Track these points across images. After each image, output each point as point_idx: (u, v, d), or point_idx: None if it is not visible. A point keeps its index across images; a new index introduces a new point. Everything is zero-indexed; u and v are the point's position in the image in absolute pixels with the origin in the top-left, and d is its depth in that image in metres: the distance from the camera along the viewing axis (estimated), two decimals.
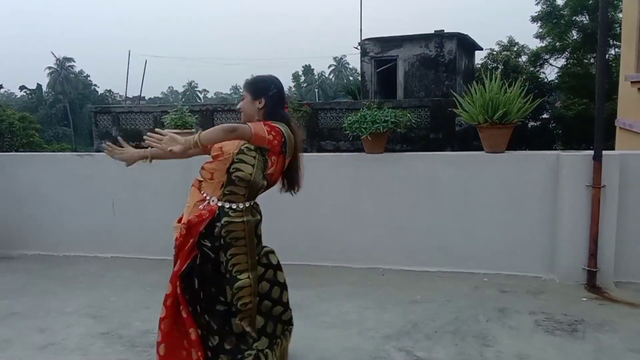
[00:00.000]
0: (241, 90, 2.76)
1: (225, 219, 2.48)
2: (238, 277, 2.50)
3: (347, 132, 4.79)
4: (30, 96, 58.64)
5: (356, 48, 19.62)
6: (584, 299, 3.96)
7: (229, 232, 2.48)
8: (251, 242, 2.55)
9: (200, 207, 2.55)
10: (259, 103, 2.63)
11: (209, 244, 2.52)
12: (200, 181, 2.65)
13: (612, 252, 4.18)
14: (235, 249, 2.50)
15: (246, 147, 2.48)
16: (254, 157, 2.48)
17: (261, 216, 2.70)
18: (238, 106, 2.72)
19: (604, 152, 4.13)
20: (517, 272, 4.48)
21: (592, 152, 4.15)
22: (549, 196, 4.39)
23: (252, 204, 2.59)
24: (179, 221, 2.67)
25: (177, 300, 2.58)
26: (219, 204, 2.51)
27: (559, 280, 4.30)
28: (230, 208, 2.50)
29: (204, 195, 2.58)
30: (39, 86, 58.99)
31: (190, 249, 2.53)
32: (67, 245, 5.54)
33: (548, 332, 3.40)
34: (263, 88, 2.65)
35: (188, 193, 2.74)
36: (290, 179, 2.81)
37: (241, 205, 2.52)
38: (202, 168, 2.63)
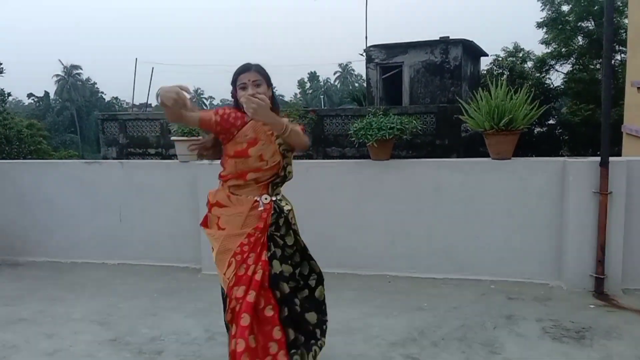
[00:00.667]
0: (247, 76, 2.53)
1: (287, 207, 2.69)
2: (309, 254, 2.78)
3: (353, 138, 4.80)
4: (37, 104, 59.07)
5: (361, 55, 19.65)
6: (592, 306, 3.94)
7: (294, 217, 2.73)
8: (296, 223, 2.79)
9: (259, 209, 2.59)
10: (269, 91, 2.60)
11: (278, 234, 2.62)
12: (234, 186, 2.62)
13: (619, 259, 4.16)
14: (298, 230, 2.73)
15: (285, 150, 2.61)
16: (292, 157, 2.73)
17: None
18: (253, 91, 2.46)
19: (611, 159, 4.12)
20: (524, 279, 4.47)
21: (598, 159, 4.14)
22: (555, 203, 4.37)
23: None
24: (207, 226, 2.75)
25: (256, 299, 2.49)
26: (273, 198, 2.64)
27: (566, 287, 4.28)
28: (283, 199, 2.73)
29: (254, 198, 2.60)
30: (47, 94, 59.42)
31: (262, 246, 2.56)
32: (75, 252, 5.57)
33: (555, 340, 3.38)
34: (269, 75, 2.63)
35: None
36: None
37: (282, 194, 2.77)
38: (240, 177, 2.58)
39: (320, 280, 2.80)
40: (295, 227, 2.74)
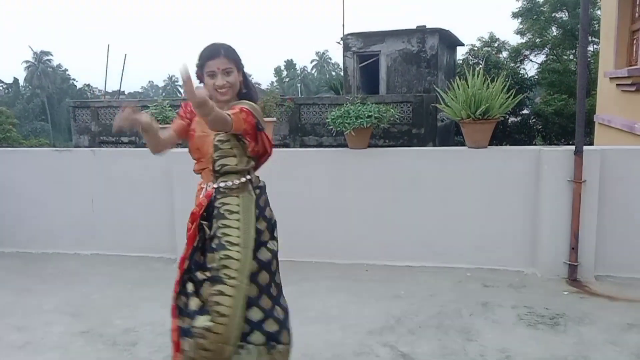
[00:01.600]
0: (216, 63, 2.33)
1: (218, 196, 2.35)
2: (227, 247, 2.28)
3: (331, 127, 4.77)
4: (6, 90, 57.64)
5: (338, 43, 19.57)
6: (565, 293, 4.00)
7: (223, 204, 2.33)
8: (246, 218, 2.35)
9: (200, 196, 2.44)
10: (240, 75, 2.41)
11: (208, 223, 2.37)
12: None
13: (592, 246, 4.23)
14: (228, 221, 2.31)
15: (219, 141, 2.33)
16: (231, 147, 2.33)
17: (262, 191, 2.48)
18: (222, 82, 2.33)
19: (585, 147, 4.17)
20: (499, 266, 4.51)
21: (573, 147, 4.19)
22: (530, 191, 4.42)
23: (248, 179, 2.40)
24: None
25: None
26: (214, 186, 2.37)
27: (540, 274, 4.35)
28: (225, 187, 2.34)
29: (202, 185, 2.49)
30: (16, 80, 58.02)
31: (193, 236, 2.38)
32: (46, 242, 5.43)
33: (530, 326, 3.43)
34: (239, 58, 2.41)
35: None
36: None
37: (236, 181, 2.35)
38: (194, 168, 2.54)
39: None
40: (229, 221, 2.32)
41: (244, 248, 2.30)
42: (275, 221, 2.54)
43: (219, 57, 2.33)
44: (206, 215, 2.37)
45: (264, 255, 2.40)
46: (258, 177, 2.52)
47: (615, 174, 4.23)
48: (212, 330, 2.20)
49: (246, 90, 2.47)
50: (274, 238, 2.50)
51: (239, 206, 2.34)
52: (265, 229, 2.44)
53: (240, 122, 2.23)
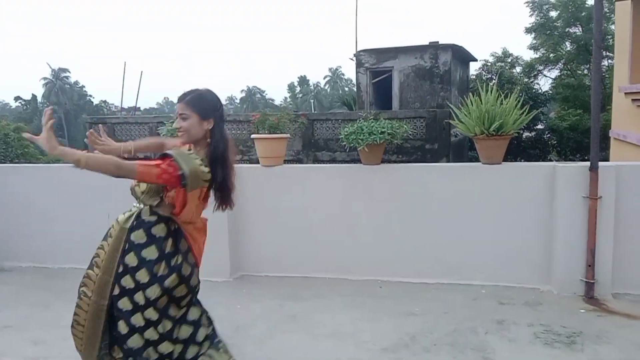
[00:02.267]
0: (177, 108, 2.44)
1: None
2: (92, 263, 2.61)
3: (344, 143, 4.78)
4: (25, 107, 58.56)
5: (351, 59, 19.67)
6: (582, 311, 3.95)
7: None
8: (115, 245, 2.55)
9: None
10: (208, 124, 2.40)
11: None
12: None
13: (609, 264, 4.17)
14: (103, 241, 2.64)
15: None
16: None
17: (144, 229, 2.52)
18: (177, 125, 2.42)
19: (601, 163, 4.14)
20: (514, 283, 4.47)
21: (588, 163, 4.16)
22: (545, 207, 4.39)
23: (138, 212, 2.58)
24: None
25: None
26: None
27: (556, 291, 4.29)
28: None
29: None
30: (34, 97, 58.95)
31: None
32: (62, 257, 5.48)
33: (547, 344, 3.39)
34: (212, 106, 2.43)
35: None
36: (220, 200, 2.54)
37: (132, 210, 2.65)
38: None
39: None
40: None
41: (103, 273, 2.54)
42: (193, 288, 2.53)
43: (180, 102, 2.41)
44: None
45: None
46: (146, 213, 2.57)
47: (632, 190, 4.18)
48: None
49: (210, 139, 2.42)
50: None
51: (114, 229, 2.71)
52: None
53: (150, 176, 2.32)
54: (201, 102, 2.39)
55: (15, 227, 5.61)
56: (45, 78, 59.74)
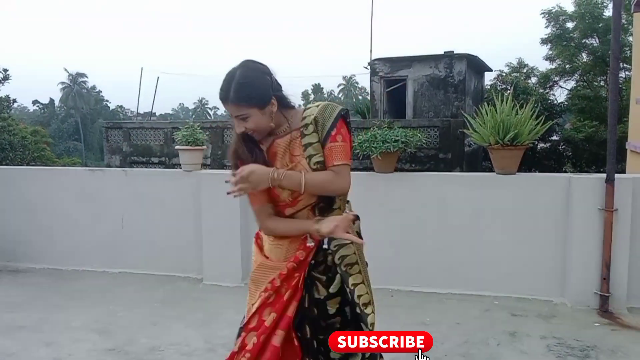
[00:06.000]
0: (228, 110, 1.96)
1: (334, 242, 2.01)
2: (365, 311, 2.07)
3: (357, 151, 4.78)
4: (42, 111, 59.46)
5: (366, 68, 19.69)
6: (596, 324, 3.90)
7: (342, 258, 2.05)
8: (364, 265, 2.12)
9: (297, 252, 2.06)
10: (272, 106, 1.92)
11: (324, 277, 2.05)
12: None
13: (624, 277, 4.12)
14: (353, 277, 2.06)
15: (317, 163, 1.97)
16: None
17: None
18: (240, 129, 1.93)
19: (617, 175, 4.10)
20: (527, 295, 4.42)
21: (604, 175, 4.12)
22: (560, 219, 4.35)
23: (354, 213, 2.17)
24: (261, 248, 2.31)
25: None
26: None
27: (570, 304, 4.24)
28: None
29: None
30: (52, 101, 59.81)
31: (296, 288, 2.01)
32: (76, 260, 5.54)
33: (560, 358, 3.34)
34: (263, 86, 1.91)
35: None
36: None
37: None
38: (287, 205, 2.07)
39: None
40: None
41: (373, 304, 2.10)
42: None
43: (227, 104, 1.92)
44: (313, 264, 2.04)
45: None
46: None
47: None
48: None
49: (285, 105, 2.02)
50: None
51: (355, 254, 2.08)
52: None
53: (348, 154, 1.98)
54: (250, 91, 1.88)
55: (30, 229, 5.68)
56: (62, 82, 60.54)
